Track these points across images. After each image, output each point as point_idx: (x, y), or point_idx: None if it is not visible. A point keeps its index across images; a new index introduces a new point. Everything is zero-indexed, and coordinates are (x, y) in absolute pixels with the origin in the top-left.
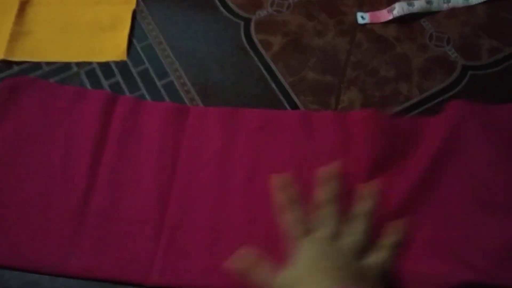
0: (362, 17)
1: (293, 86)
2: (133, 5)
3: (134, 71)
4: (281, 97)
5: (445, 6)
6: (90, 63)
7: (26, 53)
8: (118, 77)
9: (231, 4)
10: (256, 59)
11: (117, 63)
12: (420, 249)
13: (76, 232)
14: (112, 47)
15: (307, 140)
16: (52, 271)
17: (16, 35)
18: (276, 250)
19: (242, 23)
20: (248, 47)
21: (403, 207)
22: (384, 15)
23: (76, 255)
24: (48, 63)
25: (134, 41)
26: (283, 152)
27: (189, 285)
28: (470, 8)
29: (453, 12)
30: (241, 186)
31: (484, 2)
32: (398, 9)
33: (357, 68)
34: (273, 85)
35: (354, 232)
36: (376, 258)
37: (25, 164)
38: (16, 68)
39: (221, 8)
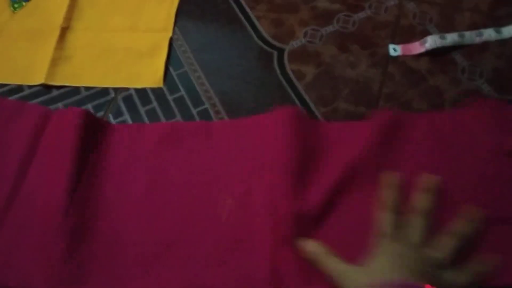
0: (394, 49)
1: (326, 116)
2: (170, 33)
3: (170, 98)
4: None
5: (477, 39)
6: (127, 89)
7: (66, 77)
8: (154, 104)
9: (265, 34)
10: (289, 89)
11: (153, 89)
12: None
13: None
14: (149, 73)
15: (206, 148)
16: None
17: (56, 60)
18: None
19: (275, 53)
20: (281, 77)
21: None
22: (416, 47)
23: None
24: (87, 88)
25: (171, 68)
26: (182, 163)
27: None
28: (503, 42)
29: (486, 45)
30: (140, 197)
31: None
32: (430, 42)
33: (390, 100)
34: None
35: (440, 248)
36: (456, 277)
37: None
38: (55, 92)
39: (255, 38)
